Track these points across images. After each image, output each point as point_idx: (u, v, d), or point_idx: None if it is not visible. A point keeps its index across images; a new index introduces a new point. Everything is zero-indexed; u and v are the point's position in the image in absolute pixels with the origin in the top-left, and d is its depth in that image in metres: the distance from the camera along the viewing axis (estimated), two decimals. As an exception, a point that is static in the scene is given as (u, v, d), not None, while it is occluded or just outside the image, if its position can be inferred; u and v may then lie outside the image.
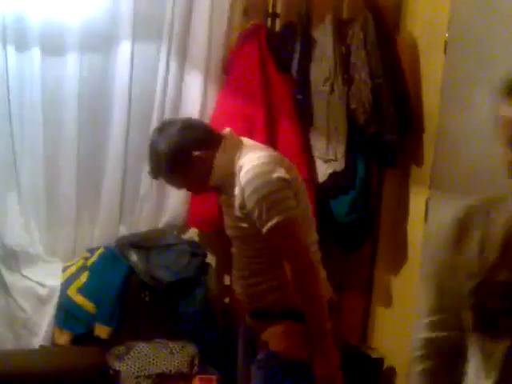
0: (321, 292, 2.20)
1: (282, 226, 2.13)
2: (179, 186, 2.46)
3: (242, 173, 2.16)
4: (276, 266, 2.24)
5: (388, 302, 3.67)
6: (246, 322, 2.47)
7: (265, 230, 2.13)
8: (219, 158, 2.25)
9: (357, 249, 3.57)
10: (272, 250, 2.24)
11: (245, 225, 2.22)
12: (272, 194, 2.13)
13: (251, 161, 2.18)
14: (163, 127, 2.36)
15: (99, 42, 3.48)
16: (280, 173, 2.17)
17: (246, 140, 2.35)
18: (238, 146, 2.28)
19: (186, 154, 2.24)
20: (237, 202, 2.20)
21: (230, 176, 2.22)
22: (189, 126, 2.34)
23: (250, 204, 2.13)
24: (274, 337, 2.27)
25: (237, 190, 2.19)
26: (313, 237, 2.35)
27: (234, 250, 2.39)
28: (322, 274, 2.33)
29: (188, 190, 2.51)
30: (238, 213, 2.21)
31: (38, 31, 3.29)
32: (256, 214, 2.13)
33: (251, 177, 2.14)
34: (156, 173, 2.34)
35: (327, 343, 2.20)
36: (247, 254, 2.31)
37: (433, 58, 3.44)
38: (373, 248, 3.73)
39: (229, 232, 2.37)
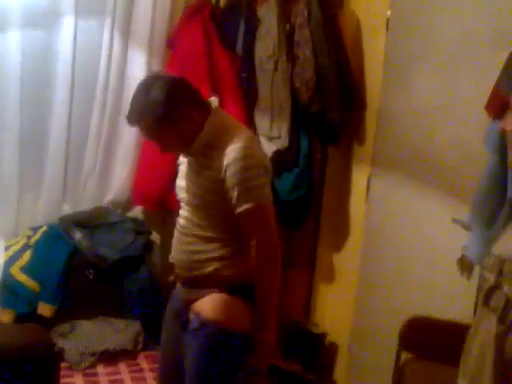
0: (279, 277, 2.25)
1: (258, 209, 2.17)
2: (156, 137, 2.28)
3: (229, 150, 2.16)
4: (223, 238, 2.27)
5: (330, 277, 3.73)
6: (175, 293, 2.46)
7: (241, 210, 2.16)
8: (207, 125, 2.24)
9: (300, 226, 3.62)
10: (226, 225, 2.26)
11: (211, 197, 2.23)
12: (254, 179, 2.16)
13: (239, 140, 2.19)
14: (157, 76, 2.34)
15: (41, 18, 3.43)
16: (265, 160, 2.25)
17: (230, 116, 2.37)
18: (226, 120, 2.30)
19: (179, 107, 2.20)
20: (213, 174, 2.19)
21: (212, 147, 2.21)
22: (184, 81, 2.30)
23: (230, 182, 2.15)
24: (208, 306, 2.28)
25: (217, 163, 2.18)
26: None
27: (182, 215, 2.37)
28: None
29: (162, 145, 2.32)
30: (208, 184, 2.22)
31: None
32: (235, 193, 2.15)
33: (239, 157, 2.15)
34: (138, 118, 2.21)
35: (270, 323, 2.27)
36: (198, 223, 2.30)
37: (376, 36, 3.47)
38: (316, 225, 3.78)
39: (186, 197, 2.34)
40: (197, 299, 2.31)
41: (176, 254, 2.38)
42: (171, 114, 2.18)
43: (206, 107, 2.28)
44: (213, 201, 2.24)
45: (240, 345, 2.29)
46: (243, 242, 2.31)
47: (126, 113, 2.24)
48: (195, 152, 2.27)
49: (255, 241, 2.25)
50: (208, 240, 2.28)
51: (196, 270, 2.31)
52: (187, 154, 2.32)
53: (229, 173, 2.15)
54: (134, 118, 2.22)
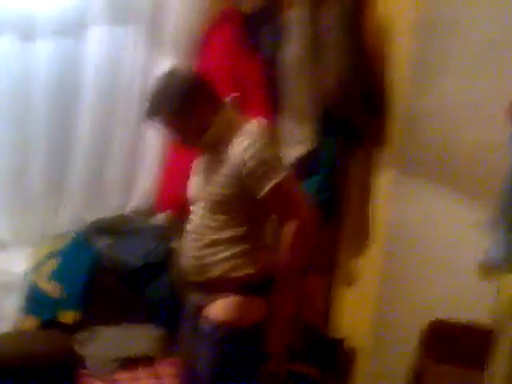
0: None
1: (287, 180, 2.23)
2: (173, 131, 2.38)
3: (240, 140, 2.22)
4: (234, 237, 2.29)
5: (350, 282, 3.69)
6: (189, 299, 2.48)
7: (265, 190, 2.19)
8: (221, 117, 2.30)
9: (322, 229, 3.57)
10: (239, 222, 2.29)
11: (227, 192, 2.26)
12: (271, 158, 2.22)
13: (251, 129, 2.26)
14: (175, 71, 2.43)
15: (69, 29, 3.48)
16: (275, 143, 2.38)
17: (239, 111, 2.42)
18: (235, 115, 2.35)
19: (195, 100, 2.27)
20: (227, 167, 2.24)
21: (223, 141, 2.26)
22: (201, 77, 2.40)
23: (248, 168, 2.19)
24: (219, 309, 2.30)
25: (230, 155, 2.23)
26: (270, 223, 2.42)
27: (192, 219, 2.40)
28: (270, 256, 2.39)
29: (179, 139, 2.43)
30: (223, 179, 2.25)
31: (8, 18, 3.31)
32: (255, 177, 2.20)
33: (254, 141, 2.21)
34: (156, 111, 2.30)
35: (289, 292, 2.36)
36: (209, 224, 2.32)
37: (402, 38, 3.43)
38: (337, 228, 3.73)
39: (200, 196, 2.37)
40: (208, 304, 2.33)
41: (186, 261, 2.41)
42: (187, 106, 2.26)
43: (221, 103, 2.34)
44: (226, 196, 2.26)
45: (254, 336, 2.32)
46: (256, 240, 2.33)
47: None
48: (205, 146, 2.33)
49: (287, 220, 2.26)
50: (217, 242, 2.30)
51: (205, 273, 2.33)
52: (201, 149, 2.39)
53: (245, 160, 2.19)
54: (153, 110, 2.30)
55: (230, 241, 2.29)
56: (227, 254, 2.29)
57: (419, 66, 3.27)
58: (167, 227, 3.63)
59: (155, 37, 3.62)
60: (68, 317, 3.25)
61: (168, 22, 3.61)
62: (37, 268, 3.35)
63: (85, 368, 3.11)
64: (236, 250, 2.29)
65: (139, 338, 3.25)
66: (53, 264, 3.36)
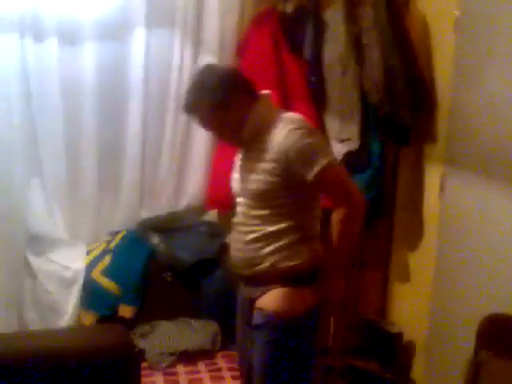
0: (360, 230, 2.31)
1: (333, 164, 2.22)
2: (212, 125, 2.37)
3: (281, 128, 2.22)
4: (281, 229, 2.29)
5: (405, 277, 3.70)
6: (240, 292, 2.50)
7: (313, 174, 2.17)
8: (258, 110, 2.30)
9: (374, 226, 3.61)
10: (286, 213, 2.28)
11: (271, 181, 2.25)
12: (314, 143, 2.21)
13: (293, 118, 2.28)
14: (211, 66, 2.44)
15: (114, 32, 3.55)
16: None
17: (275, 104, 2.43)
18: (272, 106, 2.37)
19: (233, 93, 2.28)
20: (270, 156, 2.23)
21: (263, 131, 2.27)
22: (237, 71, 2.45)
23: (292, 154, 2.18)
24: (270, 301, 2.30)
25: (272, 144, 2.22)
26: (318, 212, 2.41)
27: (238, 212, 2.41)
28: (318, 245, 2.40)
29: (218, 134, 2.43)
30: (266, 168, 2.24)
31: (54, 23, 3.38)
32: (300, 162, 2.18)
33: (299, 127, 2.21)
34: (193, 107, 2.31)
35: (342, 264, 2.36)
36: (256, 214, 2.32)
37: (444, 35, 3.45)
38: (389, 225, 3.77)
39: (244, 189, 2.36)
40: (259, 296, 2.34)
41: (234, 253, 2.41)
42: (226, 100, 2.26)
43: (257, 96, 2.34)
44: (273, 185, 2.25)
45: (306, 324, 2.32)
46: (304, 230, 2.32)
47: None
48: (246, 138, 2.32)
49: (336, 206, 2.26)
50: (264, 236, 2.30)
51: (254, 266, 2.33)
52: (239, 143, 2.39)
53: (289, 147, 2.18)
54: (191, 105, 2.31)
55: (277, 234, 2.29)
56: (274, 247, 2.29)
57: (462, 63, 3.29)
58: (219, 223, 3.70)
59: (198, 38, 3.68)
60: (126, 311, 3.33)
61: (211, 22, 3.67)
62: (94, 264, 3.43)
63: (145, 361, 3.19)
64: (283, 242, 2.29)
65: (196, 332, 3.32)
66: (108, 260, 3.45)
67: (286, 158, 2.19)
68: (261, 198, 2.30)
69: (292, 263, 2.29)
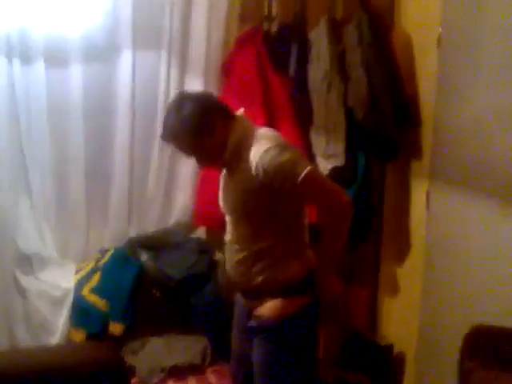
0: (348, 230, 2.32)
1: (312, 173, 2.22)
2: (192, 151, 2.38)
3: (258, 146, 2.23)
4: (269, 245, 2.32)
5: (394, 290, 3.74)
6: (238, 300, 2.55)
7: (299, 180, 2.18)
8: (233, 133, 2.31)
9: (362, 241, 3.64)
10: (272, 228, 2.32)
11: (251, 199, 2.27)
12: (292, 157, 2.22)
13: (267, 135, 2.30)
14: (185, 94, 2.43)
15: (101, 53, 3.58)
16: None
17: (252, 122, 2.44)
18: (249, 125, 2.38)
19: (209, 118, 2.29)
20: (247, 174, 2.24)
21: (241, 150, 2.28)
22: (210, 95, 2.47)
23: (272, 167, 2.18)
24: (267, 308, 2.35)
25: (249, 162, 2.23)
26: (305, 221, 2.45)
27: (230, 230, 2.44)
28: (309, 253, 2.44)
29: (200, 159, 2.42)
30: (245, 186, 2.27)
31: (41, 45, 3.40)
32: (283, 173, 2.19)
33: (273, 145, 2.21)
34: (173, 136, 2.32)
35: (333, 266, 2.38)
36: (243, 232, 2.36)
37: (427, 53, 3.51)
38: (377, 239, 3.81)
39: (228, 207, 2.41)
40: (256, 307, 2.39)
41: (228, 270, 2.46)
42: (204, 126, 2.27)
43: (232, 117, 2.36)
44: (255, 203, 2.28)
45: (303, 321, 2.37)
46: (292, 242, 2.37)
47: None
48: (228, 160, 2.34)
49: (321, 207, 2.30)
50: (253, 253, 2.34)
51: (249, 281, 2.38)
52: (222, 165, 2.40)
53: (265, 166, 2.19)
54: (170, 135, 2.32)
55: (265, 251, 2.33)
56: (264, 264, 2.33)
57: (446, 79, 3.34)
58: (207, 239, 3.73)
59: (184, 59, 3.72)
60: (116, 329, 3.33)
61: (196, 42, 3.72)
62: (83, 282, 3.44)
63: (135, 378, 3.20)
64: (272, 258, 2.33)
65: (186, 347, 3.33)
66: (98, 278, 3.46)
67: (265, 177, 2.21)
68: (245, 217, 2.34)
69: (284, 276, 2.34)
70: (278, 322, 2.33)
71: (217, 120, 2.30)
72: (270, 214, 2.30)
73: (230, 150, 2.31)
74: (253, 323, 2.39)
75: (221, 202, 2.49)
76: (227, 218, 2.46)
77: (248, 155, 2.25)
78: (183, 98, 2.34)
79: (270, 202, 2.27)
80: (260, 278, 2.35)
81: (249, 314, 2.43)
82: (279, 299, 2.34)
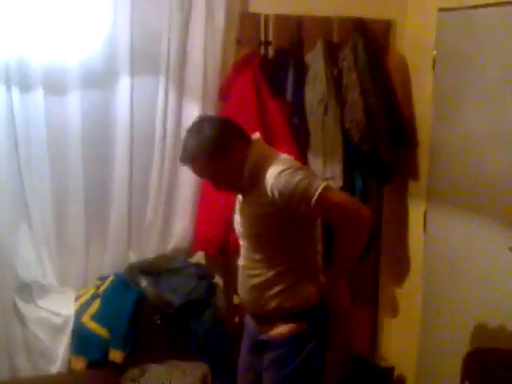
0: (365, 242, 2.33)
1: (327, 191, 2.23)
2: (210, 173, 2.41)
3: (272, 170, 2.26)
4: (282, 270, 2.36)
5: (394, 312, 3.74)
6: (247, 322, 2.61)
7: (314, 200, 2.19)
8: (254, 154, 2.35)
9: (361, 261, 3.63)
10: (286, 254, 2.35)
11: (266, 222, 2.32)
12: (304, 177, 2.23)
13: (281, 158, 2.33)
14: (205, 116, 2.52)
15: (99, 80, 3.59)
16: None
17: (267, 146, 2.49)
18: (265, 148, 2.43)
19: (227, 142, 2.33)
20: (262, 198, 2.28)
21: (257, 174, 2.32)
22: (230, 119, 2.48)
23: (287, 189, 2.21)
24: (277, 334, 2.40)
25: (264, 186, 2.27)
26: (318, 247, 2.48)
27: (242, 254, 2.49)
28: (322, 278, 2.47)
29: (215, 182, 2.44)
30: (260, 209, 2.31)
31: (39, 72, 3.40)
32: (299, 194, 2.20)
33: (286, 167, 2.25)
34: (191, 157, 2.34)
35: (345, 275, 2.41)
36: (257, 258, 2.39)
37: (422, 75, 3.55)
38: (376, 261, 3.81)
39: (243, 231, 2.44)
40: (267, 331, 2.45)
41: (241, 294, 2.51)
42: (222, 148, 2.31)
43: (249, 141, 2.41)
44: (269, 226, 2.33)
45: (311, 335, 2.40)
46: (305, 268, 2.40)
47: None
48: (245, 185, 2.37)
49: (339, 223, 2.28)
50: (266, 280, 2.38)
51: (262, 307, 2.42)
52: (239, 190, 2.43)
53: (281, 186, 2.22)
54: (188, 156, 2.35)
55: (278, 276, 2.36)
56: (277, 290, 2.37)
57: (441, 100, 3.38)
58: (206, 265, 3.73)
59: (182, 85, 3.72)
60: (116, 356, 3.31)
61: (194, 67, 3.71)
62: (83, 309, 3.43)
63: (135, 405, 3.19)
64: (285, 284, 2.36)
65: (186, 373, 3.31)
66: (98, 305, 3.45)
67: (280, 199, 2.24)
68: (259, 242, 2.38)
69: (296, 302, 2.38)
70: (289, 337, 2.37)
71: (234, 144, 2.34)
72: (285, 238, 2.34)
73: (246, 175, 2.34)
74: (264, 337, 2.44)
75: (236, 227, 2.52)
76: (241, 243, 2.50)
77: (263, 179, 2.28)
78: (203, 121, 2.40)
79: (285, 226, 2.31)
80: (274, 303, 2.39)
81: (257, 337, 2.50)
82: (289, 324, 2.39)
